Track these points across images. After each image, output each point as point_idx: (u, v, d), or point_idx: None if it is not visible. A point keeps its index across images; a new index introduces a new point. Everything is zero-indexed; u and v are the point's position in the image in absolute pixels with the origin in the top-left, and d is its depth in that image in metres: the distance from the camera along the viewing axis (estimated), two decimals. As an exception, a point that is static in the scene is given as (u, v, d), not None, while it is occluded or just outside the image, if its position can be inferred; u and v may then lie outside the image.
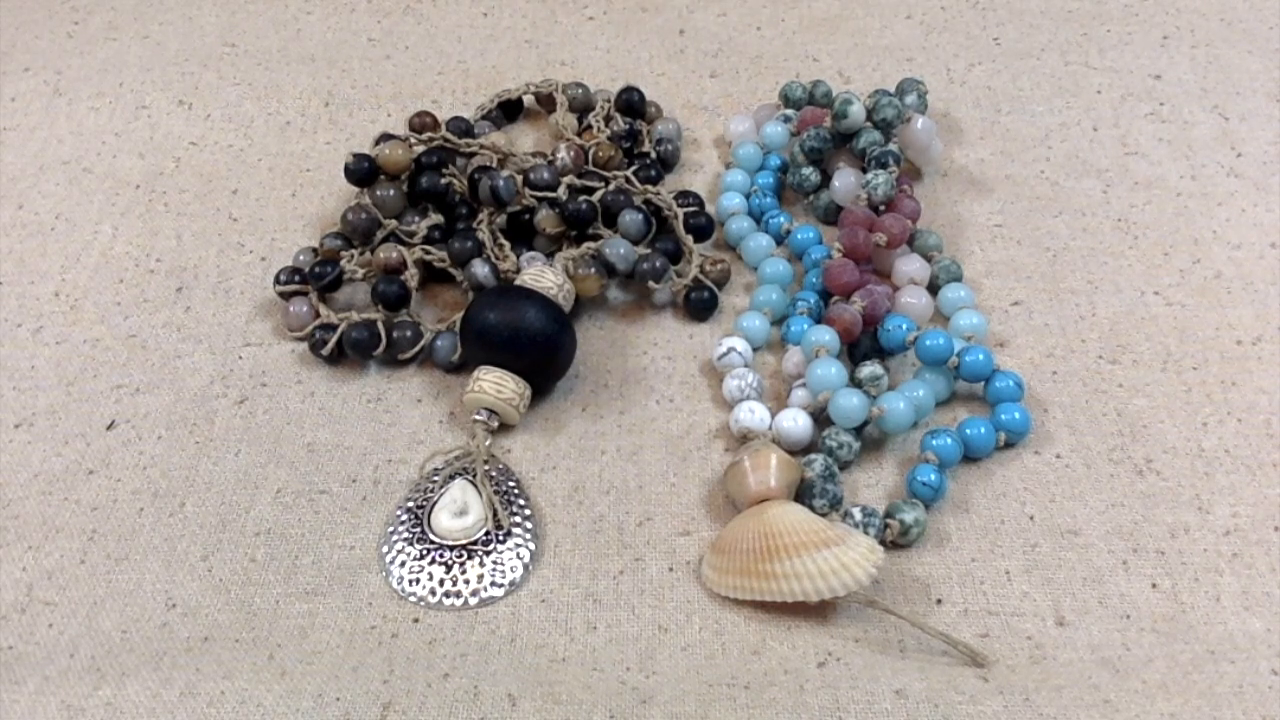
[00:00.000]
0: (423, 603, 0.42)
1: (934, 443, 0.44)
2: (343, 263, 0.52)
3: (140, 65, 0.68)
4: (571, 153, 0.56)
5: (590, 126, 0.60)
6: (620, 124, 0.60)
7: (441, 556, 0.43)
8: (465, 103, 0.65)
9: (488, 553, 0.43)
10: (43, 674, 0.39)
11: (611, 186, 0.55)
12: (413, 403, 0.49)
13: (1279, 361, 0.49)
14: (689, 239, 0.54)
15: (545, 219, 0.53)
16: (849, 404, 0.45)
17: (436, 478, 0.45)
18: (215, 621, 0.41)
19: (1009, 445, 0.46)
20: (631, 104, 0.61)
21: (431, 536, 0.43)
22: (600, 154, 0.57)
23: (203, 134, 0.63)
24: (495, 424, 0.47)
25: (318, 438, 0.48)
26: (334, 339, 0.50)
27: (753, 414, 0.46)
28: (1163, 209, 0.56)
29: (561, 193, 0.54)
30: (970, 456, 0.46)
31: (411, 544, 0.43)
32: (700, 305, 0.52)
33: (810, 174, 0.57)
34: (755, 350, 0.50)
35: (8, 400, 0.49)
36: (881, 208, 0.53)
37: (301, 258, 0.54)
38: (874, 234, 0.51)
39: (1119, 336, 0.50)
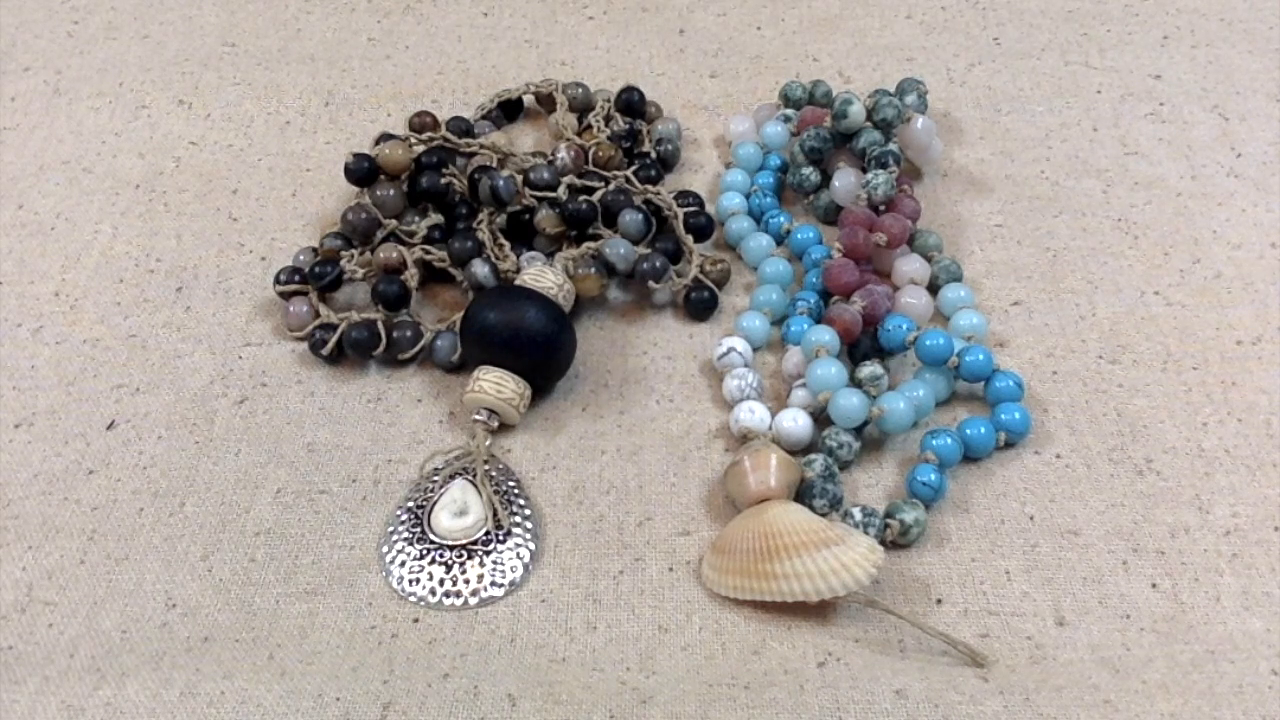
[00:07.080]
0: (423, 603, 0.42)
1: (934, 443, 0.44)
2: (343, 263, 0.52)
3: (140, 65, 0.68)
4: (571, 153, 0.56)
5: (590, 126, 0.60)
6: (620, 124, 0.60)
7: (441, 556, 0.43)
8: (465, 103, 0.65)
9: (488, 553, 0.43)
10: (43, 674, 0.39)
11: (611, 186, 0.55)
12: (413, 403, 0.49)
13: (1279, 361, 0.49)
14: (689, 239, 0.54)
15: (545, 219, 0.53)
16: (849, 404, 0.45)
17: (436, 478, 0.45)
18: (215, 621, 0.41)
19: (1009, 445, 0.46)
20: (631, 104, 0.61)
21: (431, 536, 0.43)
22: (600, 154, 0.57)
23: (203, 134, 0.63)
24: (495, 424, 0.47)
25: (318, 438, 0.48)
26: (334, 339, 0.50)
27: (753, 414, 0.46)
28: (1163, 209, 0.56)
29: (561, 193, 0.54)
30: (970, 456, 0.46)
31: (411, 544, 0.43)
32: (700, 305, 0.52)
33: (810, 174, 0.57)
34: (755, 350, 0.50)
35: (8, 400, 0.49)
36: (881, 208, 0.53)
37: (301, 258, 0.54)
38: (874, 234, 0.51)
39: (1119, 336, 0.50)
